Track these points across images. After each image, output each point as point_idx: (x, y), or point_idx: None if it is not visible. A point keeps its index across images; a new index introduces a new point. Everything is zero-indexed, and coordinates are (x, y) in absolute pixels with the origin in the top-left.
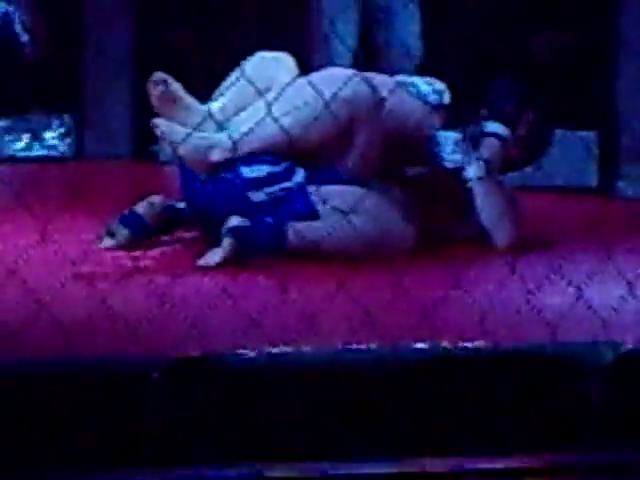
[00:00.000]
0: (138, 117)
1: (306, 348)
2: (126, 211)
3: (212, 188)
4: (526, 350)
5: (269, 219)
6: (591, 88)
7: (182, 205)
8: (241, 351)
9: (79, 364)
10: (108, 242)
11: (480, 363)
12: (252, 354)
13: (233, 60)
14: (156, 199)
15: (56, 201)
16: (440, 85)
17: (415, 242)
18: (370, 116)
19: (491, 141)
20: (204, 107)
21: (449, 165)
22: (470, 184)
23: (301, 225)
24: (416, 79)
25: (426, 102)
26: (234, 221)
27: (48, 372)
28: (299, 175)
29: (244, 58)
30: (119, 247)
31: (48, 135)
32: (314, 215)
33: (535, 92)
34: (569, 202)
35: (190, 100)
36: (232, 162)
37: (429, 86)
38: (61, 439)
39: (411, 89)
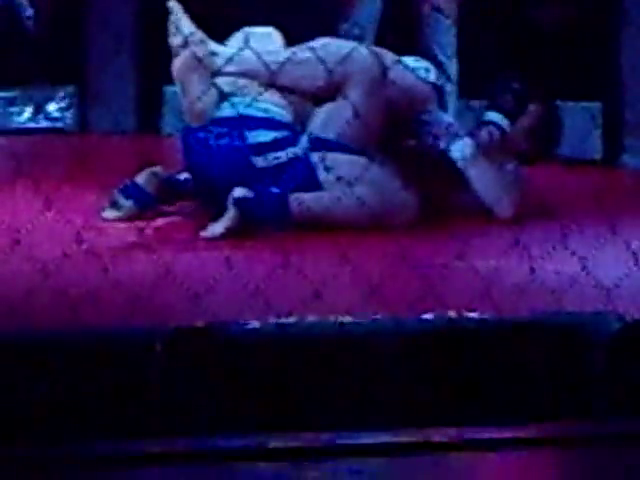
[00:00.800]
0: (141, 90)
1: (309, 319)
2: (127, 182)
3: (216, 153)
4: (530, 320)
5: (274, 189)
6: (595, 60)
7: (184, 176)
8: (244, 321)
9: (82, 334)
10: (111, 213)
11: (484, 333)
12: (255, 324)
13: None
14: (157, 170)
15: (60, 173)
16: (426, 63)
17: (417, 212)
18: (373, 81)
19: (487, 128)
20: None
21: (433, 145)
22: (459, 164)
23: (305, 196)
24: (404, 58)
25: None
26: (238, 192)
27: (51, 342)
28: (303, 142)
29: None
30: (122, 218)
31: (51, 107)
32: (317, 183)
33: (541, 86)
34: (573, 173)
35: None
36: (236, 127)
37: (418, 63)
38: (64, 409)
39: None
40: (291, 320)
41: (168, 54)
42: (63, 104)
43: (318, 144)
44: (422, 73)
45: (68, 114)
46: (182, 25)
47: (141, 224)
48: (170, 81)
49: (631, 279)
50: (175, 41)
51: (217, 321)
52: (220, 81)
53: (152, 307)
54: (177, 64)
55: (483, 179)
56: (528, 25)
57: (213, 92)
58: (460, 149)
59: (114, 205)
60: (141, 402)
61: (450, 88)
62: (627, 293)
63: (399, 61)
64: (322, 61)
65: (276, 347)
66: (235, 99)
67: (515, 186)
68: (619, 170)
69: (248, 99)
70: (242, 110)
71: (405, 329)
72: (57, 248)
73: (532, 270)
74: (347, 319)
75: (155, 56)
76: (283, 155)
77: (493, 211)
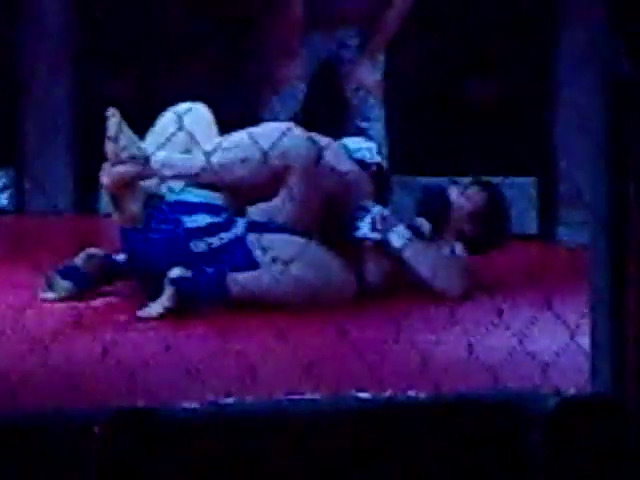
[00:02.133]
0: (78, 169)
1: (248, 398)
2: (65, 264)
3: (153, 238)
4: (467, 397)
5: (210, 270)
6: (529, 136)
7: (121, 257)
8: (184, 404)
9: (20, 418)
10: (48, 294)
11: (420, 412)
12: (195, 405)
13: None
14: (95, 251)
15: None
16: (369, 144)
17: (356, 290)
18: (307, 164)
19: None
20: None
21: (364, 238)
22: (399, 251)
23: (242, 275)
24: (345, 140)
25: (359, 161)
26: (176, 272)
27: None
28: (240, 225)
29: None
30: (59, 299)
31: None
32: (254, 265)
33: (476, 162)
34: (510, 248)
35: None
36: (173, 212)
37: (358, 144)
38: None
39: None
40: (229, 401)
41: (104, 135)
42: (0, 185)
43: (255, 227)
44: (365, 154)
45: (4, 195)
46: (120, 135)
47: (79, 305)
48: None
49: (567, 354)
50: (110, 149)
51: (155, 403)
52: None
53: (90, 388)
54: (108, 180)
55: (424, 262)
56: (461, 102)
57: (143, 194)
58: (397, 237)
59: (51, 286)
60: None
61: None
62: (563, 368)
63: (339, 144)
64: (262, 154)
65: (214, 428)
66: (171, 184)
67: (458, 266)
68: (554, 245)
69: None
70: (177, 196)
71: (343, 407)
72: None
73: (469, 346)
74: (285, 398)
75: (92, 136)
76: (219, 239)
77: (440, 292)
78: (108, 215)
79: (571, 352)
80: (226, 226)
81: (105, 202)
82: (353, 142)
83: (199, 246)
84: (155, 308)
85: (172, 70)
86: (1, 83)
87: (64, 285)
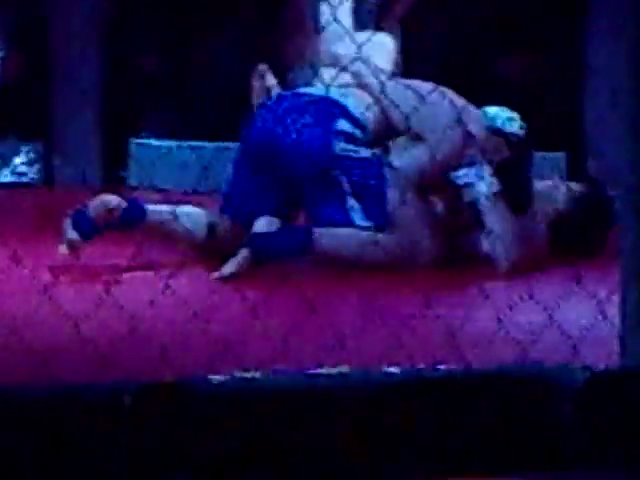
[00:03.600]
0: (106, 143)
1: (277, 371)
2: (77, 209)
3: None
4: (497, 372)
5: (295, 228)
6: (559, 110)
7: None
8: (213, 376)
9: (50, 390)
10: (61, 249)
11: (451, 385)
12: (225, 378)
13: (200, 86)
14: (108, 198)
15: (26, 227)
16: (511, 114)
17: (438, 255)
18: (451, 128)
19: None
20: None
21: (460, 181)
22: (480, 201)
23: (330, 232)
24: (486, 108)
25: (496, 130)
26: (261, 224)
27: (16, 398)
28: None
29: (212, 84)
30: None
31: (17, 161)
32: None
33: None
34: None
35: None
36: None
37: (497, 113)
38: (30, 465)
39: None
40: (258, 374)
41: (133, 107)
42: (29, 158)
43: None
44: (506, 124)
45: (34, 168)
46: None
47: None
48: (135, 134)
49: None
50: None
51: (186, 376)
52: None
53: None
54: None
55: (496, 218)
56: (491, 77)
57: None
58: (484, 187)
59: (65, 236)
60: (110, 458)
61: None
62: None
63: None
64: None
65: (248, 401)
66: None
67: (522, 245)
68: None
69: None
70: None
71: (373, 381)
72: (24, 303)
73: (499, 321)
74: (314, 372)
75: (120, 110)
76: (357, 152)
77: (492, 257)
78: (136, 187)
79: (601, 326)
80: (365, 144)
81: (134, 174)
82: (494, 111)
83: (340, 149)
84: (228, 268)
85: (202, 42)
86: (31, 57)
87: (72, 237)
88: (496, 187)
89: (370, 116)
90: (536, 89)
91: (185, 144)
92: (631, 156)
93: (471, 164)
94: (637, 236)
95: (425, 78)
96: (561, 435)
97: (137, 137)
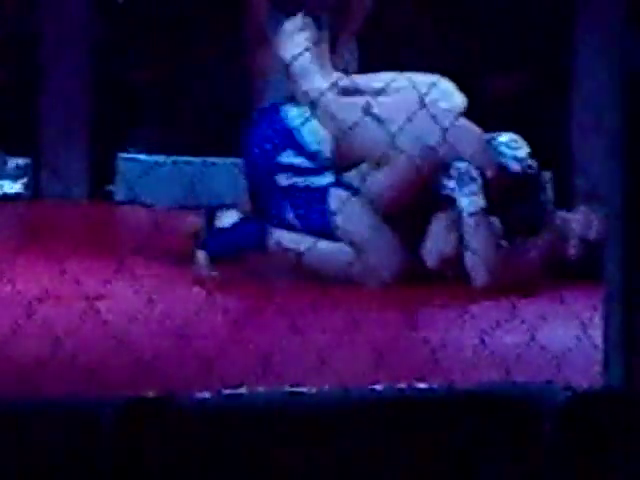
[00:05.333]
0: (94, 158)
1: (260, 389)
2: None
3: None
4: (479, 391)
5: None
6: (545, 129)
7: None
8: (196, 393)
9: (31, 405)
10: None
11: (435, 405)
12: (210, 394)
13: (188, 96)
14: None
15: (12, 241)
16: (518, 143)
17: (393, 277)
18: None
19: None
20: None
21: (443, 191)
22: (463, 215)
23: (281, 234)
24: (500, 136)
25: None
26: (219, 220)
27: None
28: (328, 177)
29: (199, 99)
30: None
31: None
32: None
33: None
34: None
35: None
36: (279, 137)
37: (507, 146)
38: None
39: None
40: (241, 391)
41: (119, 124)
42: (16, 173)
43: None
44: (510, 161)
45: (20, 182)
46: None
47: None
48: (122, 149)
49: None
50: None
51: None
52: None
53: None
54: None
55: (477, 234)
56: (478, 92)
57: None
58: (467, 203)
59: None
60: (92, 473)
61: None
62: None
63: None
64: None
65: (227, 418)
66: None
67: (509, 268)
68: None
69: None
70: (297, 123)
71: (354, 399)
72: (7, 317)
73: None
74: (296, 390)
75: (108, 125)
76: (304, 180)
77: (471, 273)
78: (122, 203)
79: (584, 346)
80: (315, 172)
81: (119, 191)
82: (503, 140)
83: (283, 182)
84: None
85: (189, 58)
86: (19, 72)
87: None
88: (479, 204)
89: (325, 145)
90: (521, 106)
91: (171, 159)
92: (616, 174)
93: (459, 178)
94: (620, 255)
95: None
96: (542, 454)
97: (124, 152)
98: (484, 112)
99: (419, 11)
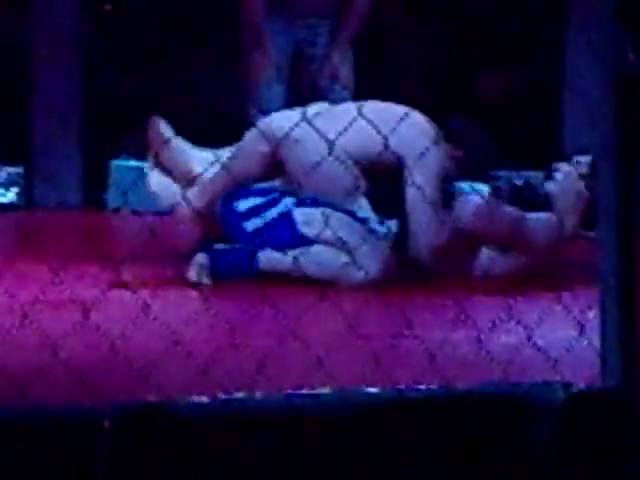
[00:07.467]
0: (86, 166)
1: (257, 393)
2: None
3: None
4: (476, 391)
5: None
6: (538, 129)
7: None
8: (194, 398)
9: (28, 412)
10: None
11: (431, 406)
12: (206, 400)
13: (180, 102)
14: None
15: (6, 249)
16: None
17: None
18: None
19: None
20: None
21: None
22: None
23: (269, 254)
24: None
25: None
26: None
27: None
28: (286, 203)
29: (190, 104)
30: None
31: None
32: (302, 239)
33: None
34: None
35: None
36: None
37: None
38: None
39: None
40: (238, 395)
41: (111, 131)
42: (9, 181)
43: (303, 203)
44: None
45: (12, 191)
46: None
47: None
48: (115, 156)
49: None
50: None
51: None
52: None
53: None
54: None
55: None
56: (470, 96)
57: None
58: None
59: None
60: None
61: None
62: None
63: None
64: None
65: (224, 423)
66: None
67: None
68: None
69: None
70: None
71: (351, 401)
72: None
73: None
74: (293, 393)
75: (99, 132)
76: (263, 217)
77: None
78: (116, 210)
79: (581, 346)
80: (271, 205)
81: (112, 198)
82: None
83: (249, 226)
84: (193, 277)
85: (179, 63)
86: (11, 81)
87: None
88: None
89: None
90: (515, 108)
91: None
92: (609, 174)
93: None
94: (616, 254)
95: (403, 96)
96: (540, 454)
97: (116, 159)
98: (476, 111)
99: (411, 11)
